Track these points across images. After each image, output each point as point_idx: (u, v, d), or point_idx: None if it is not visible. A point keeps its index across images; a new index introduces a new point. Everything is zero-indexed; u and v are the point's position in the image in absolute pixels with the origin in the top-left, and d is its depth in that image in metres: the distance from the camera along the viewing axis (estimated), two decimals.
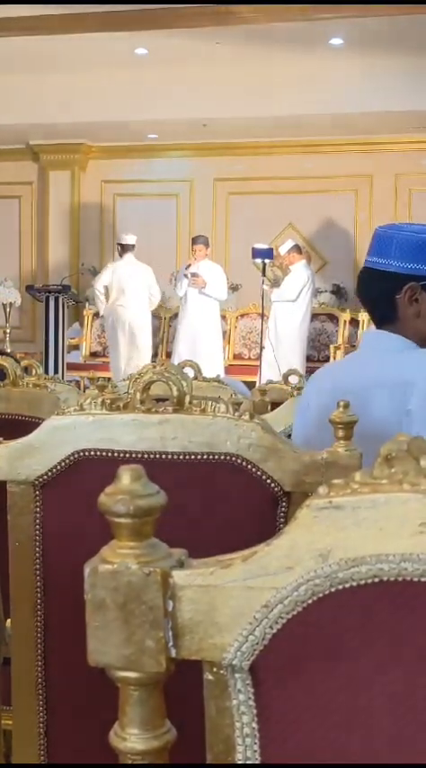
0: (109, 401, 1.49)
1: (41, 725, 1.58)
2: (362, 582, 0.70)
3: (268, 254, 9.84)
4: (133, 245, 9.86)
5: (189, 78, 9.95)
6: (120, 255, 9.97)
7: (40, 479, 1.52)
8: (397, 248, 2.02)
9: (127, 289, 9.70)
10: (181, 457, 1.46)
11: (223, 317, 10.45)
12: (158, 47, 9.28)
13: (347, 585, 0.70)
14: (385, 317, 2.09)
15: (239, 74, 9.81)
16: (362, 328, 10.55)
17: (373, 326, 2.19)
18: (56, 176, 12.00)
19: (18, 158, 11.98)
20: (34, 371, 3.20)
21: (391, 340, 2.06)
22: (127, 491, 0.73)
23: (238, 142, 11.25)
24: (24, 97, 10.36)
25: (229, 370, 9.83)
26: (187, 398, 1.46)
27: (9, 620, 1.60)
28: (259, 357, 9.77)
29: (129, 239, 9.90)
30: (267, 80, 9.80)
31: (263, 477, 1.44)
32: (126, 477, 0.73)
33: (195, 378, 3.14)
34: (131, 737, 0.75)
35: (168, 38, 8.89)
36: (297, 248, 10.41)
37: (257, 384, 7.24)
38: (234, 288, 11.25)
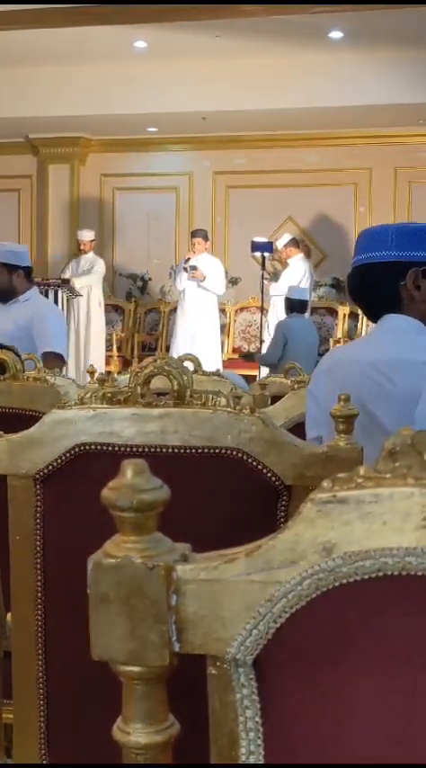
0: (109, 395, 1.49)
1: (42, 719, 1.58)
2: (366, 576, 0.69)
3: (267, 247, 9.84)
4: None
5: (188, 71, 9.92)
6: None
7: (41, 473, 1.52)
8: (395, 238, 2.12)
9: None
10: (181, 451, 1.45)
11: (222, 311, 10.44)
12: (157, 40, 9.26)
13: (351, 580, 0.70)
14: (387, 307, 2.16)
15: (238, 67, 9.78)
16: (361, 322, 10.55)
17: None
18: (55, 170, 11.97)
19: (17, 152, 11.95)
20: (34, 365, 3.20)
21: (409, 322, 2.14)
22: (130, 485, 0.72)
23: (237, 135, 11.22)
24: (23, 90, 10.34)
25: (228, 363, 9.82)
26: (188, 392, 1.46)
27: (9, 614, 1.60)
28: (259, 350, 9.76)
29: None
30: (266, 73, 9.77)
31: (264, 470, 1.44)
32: (129, 471, 0.73)
33: (195, 372, 3.13)
34: (135, 732, 0.75)
35: (167, 31, 8.86)
36: (295, 242, 10.40)
37: (257, 378, 7.24)
38: (233, 281, 11.23)
